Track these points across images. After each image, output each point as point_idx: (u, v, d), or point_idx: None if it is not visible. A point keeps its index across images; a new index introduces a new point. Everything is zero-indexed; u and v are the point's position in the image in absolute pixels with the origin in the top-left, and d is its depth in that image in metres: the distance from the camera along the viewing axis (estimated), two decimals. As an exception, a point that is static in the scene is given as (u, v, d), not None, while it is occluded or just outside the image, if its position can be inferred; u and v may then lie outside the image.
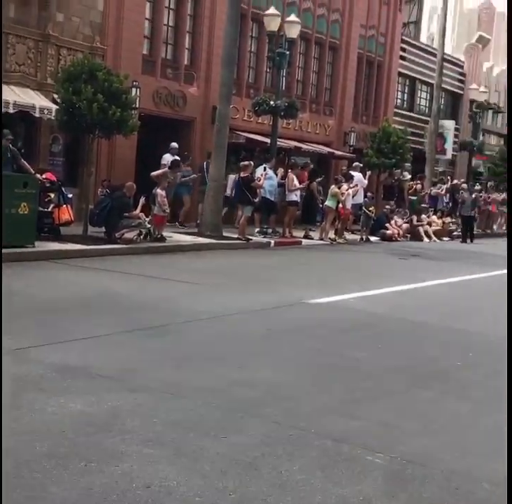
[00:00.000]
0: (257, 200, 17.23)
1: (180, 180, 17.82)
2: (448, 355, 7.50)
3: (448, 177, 28.79)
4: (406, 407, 5.65)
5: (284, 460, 4.36)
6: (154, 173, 15.50)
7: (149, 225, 14.36)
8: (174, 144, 18.61)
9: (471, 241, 23.08)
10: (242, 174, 17.14)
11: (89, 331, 7.10)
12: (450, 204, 26.07)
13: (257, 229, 18.09)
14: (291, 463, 4.32)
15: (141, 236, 14.19)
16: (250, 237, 16.98)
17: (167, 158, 18.08)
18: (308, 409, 5.37)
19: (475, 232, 25.63)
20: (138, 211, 14.31)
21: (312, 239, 18.83)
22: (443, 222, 24.11)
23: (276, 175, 18.45)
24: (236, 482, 3.95)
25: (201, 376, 5.98)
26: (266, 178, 17.57)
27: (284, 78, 20.47)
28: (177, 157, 17.35)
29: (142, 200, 14.58)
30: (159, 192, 14.85)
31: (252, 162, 17.70)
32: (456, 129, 34.60)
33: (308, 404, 5.50)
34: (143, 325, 7.67)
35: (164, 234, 15.01)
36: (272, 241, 17.40)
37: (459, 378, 6.69)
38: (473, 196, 24.01)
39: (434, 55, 30.87)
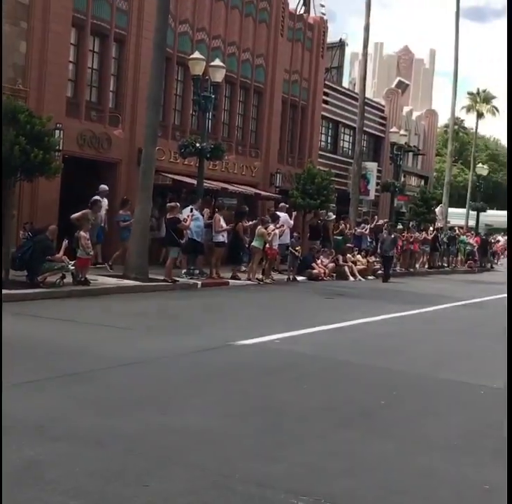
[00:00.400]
0: (183, 241, 17.19)
1: (122, 224, 17.70)
2: (372, 394, 7.56)
3: (376, 216, 29.39)
4: (330, 448, 5.65)
5: (208, 507, 4.29)
6: (74, 216, 15.36)
7: (72, 268, 14.13)
8: (104, 186, 18.48)
9: (386, 281, 23.19)
10: (168, 216, 17.11)
11: (10, 378, 6.89)
12: (374, 243, 26.56)
13: (183, 271, 18.02)
14: (215, 510, 4.26)
15: (64, 280, 13.94)
16: (177, 279, 16.89)
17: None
18: (233, 454, 5.32)
19: (394, 271, 26.23)
20: (61, 254, 14.08)
21: (239, 279, 18.86)
22: (368, 261, 24.54)
23: (203, 216, 18.48)
24: (158, 533, 3.86)
25: (124, 422, 5.87)
26: (193, 219, 17.58)
27: (210, 121, 20.62)
28: (97, 197, 17.20)
29: (65, 243, 14.36)
30: (82, 234, 14.67)
31: (178, 204, 17.70)
32: (378, 171, 35.48)
33: (233, 449, 5.44)
34: (66, 372, 7.49)
35: (89, 277, 14.79)
36: (199, 283, 17.35)
37: (384, 417, 6.75)
38: (392, 236, 24.48)
39: (356, 99, 31.71)
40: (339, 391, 7.61)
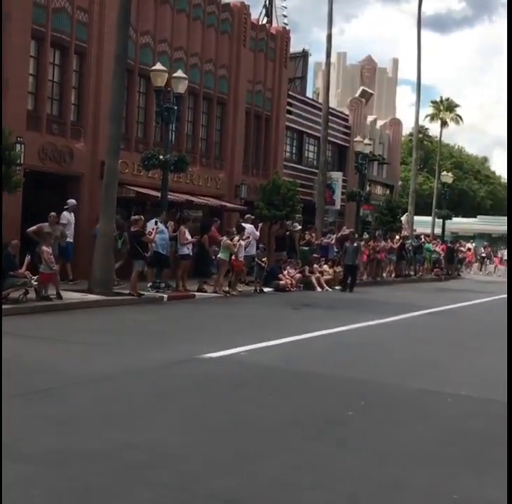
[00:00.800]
0: (148, 254, 17.02)
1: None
2: (339, 404, 7.49)
3: (344, 227, 29.43)
4: (298, 461, 5.56)
5: (171, 527, 4.17)
6: (30, 230, 15.13)
7: (35, 283, 13.89)
8: (72, 200, 18.25)
9: (351, 291, 23.04)
10: (132, 229, 16.94)
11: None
12: (340, 253, 26.57)
13: (149, 284, 17.84)
14: (178, 529, 4.14)
15: (27, 296, 13.69)
16: (142, 292, 16.70)
17: (66, 216, 17.67)
18: (198, 470, 5.20)
19: (361, 280, 26.28)
20: (23, 269, 13.84)
21: (206, 292, 18.72)
22: (335, 271, 24.53)
23: (168, 228, 18.33)
24: None
25: (86, 441, 5.72)
26: (158, 232, 17.42)
27: (173, 133, 20.51)
28: (53, 213, 16.74)
29: (27, 258, 14.12)
30: (45, 249, 14.43)
31: (142, 217, 17.53)
32: (344, 180, 35.61)
33: (199, 464, 5.32)
34: (28, 389, 7.31)
35: (52, 292, 14.53)
36: (165, 296, 17.18)
37: (352, 428, 6.68)
38: (355, 245, 24.43)
39: (320, 109, 31.82)
40: (307, 403, 7.53)
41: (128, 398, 7.31)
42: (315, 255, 24.54)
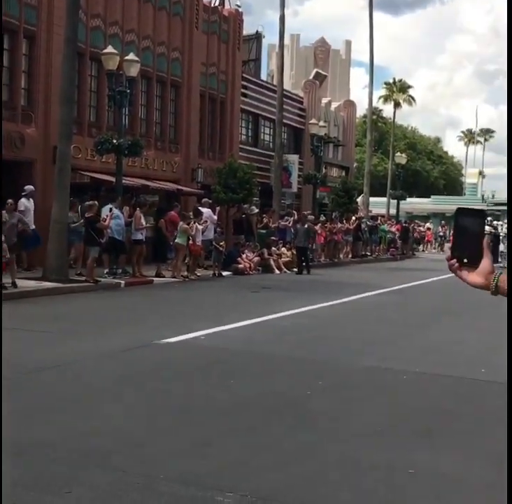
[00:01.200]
0: (104, 241, 16.86)
1: (71, 226, 17.21)
2: (298, 385, 7.56)
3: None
4: (256, 442, 5.60)
5: (131, 511, 4.18)
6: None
7: (-11, 272, 13.68)
8: (30, 187, 17.92)
9: (308, 272, 23.07)
10: (87, 215, 16.76)
11: None
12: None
13: (106, 270, 17.70)
14: (138, 513, 4.15)
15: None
16: (99, 279, 16.57)
17: (24, 202, 17.33)
18: (157, 454, 5.21)
19: (318, 261, 26.41)
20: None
21: (164, 277, 18.65)
22: (293, 254, 24.63)
23: (123, 214, 18.17)
24: (77, 542, 3.73)
25: (44, 429, 5.68)
26: (113, 217, 17.27)
27: (126, 116, 20.29)
28: (10, 200, 16.48)
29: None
30: (-2, 237, 14.19)
31: (96, 202, 17.33)
32: (300, 163, 35.68)
33: (158, 449, 5.33)
34: (-18, 379, 7.21)
35: (6, 280, 14.32)
36: (122, 282, 17.07)
37: (310, 408, 6.74)
38: (306, 226, 24.35)
39: (275, 92, 31.79)
40: (265, 384, 7.58)
41: (87, 385, 7.27)
42: (272, 238, 24.60)
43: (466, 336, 11.40)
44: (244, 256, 22.29)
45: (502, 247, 30.16)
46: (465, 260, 2.02)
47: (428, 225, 47.78)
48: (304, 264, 23.48)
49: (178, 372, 8.01)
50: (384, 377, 8.11)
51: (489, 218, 32.81)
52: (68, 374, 7.75)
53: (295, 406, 6.78)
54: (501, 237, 30.46)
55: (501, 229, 31.40)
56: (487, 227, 28.85)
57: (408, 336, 11.18)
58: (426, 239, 45.68)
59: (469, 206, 2.18)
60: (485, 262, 2.02)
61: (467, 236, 2.03)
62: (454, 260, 2.05)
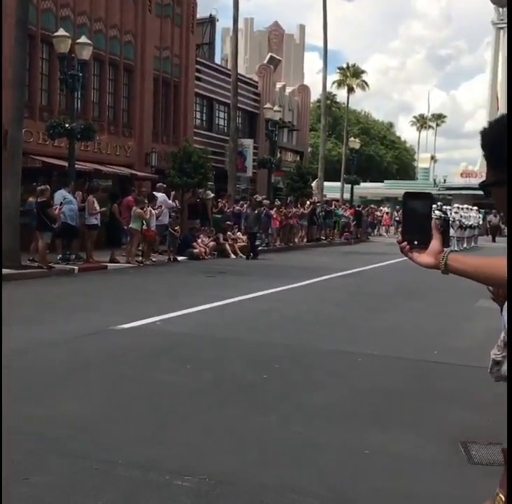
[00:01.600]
0: (56, 226, 16.63)
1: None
2: (254, 369, 7.61)
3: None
4: (214, 426, 5.64)
5: (90, 496, 4.20)
6: None
7: None
8: None
9: (254, 257, 22.66)
10: (38, 199, 16.51)
11: None
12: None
13: (59, 256, 17.50)
14: (96, 497, 4.17)
15: None
16: (52, 265, 16.38)
17: None
18: (114, 440, 5.22)
19: (274, 246, 26.46)
20: None
21: (118, 262, 18.52)
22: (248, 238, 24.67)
23: (76, 199, 17.97)
24: (36, 528, 3.73)
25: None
26: (66, 202, 17.07)
27: (79, 100, 20.04)
28: None
29: None
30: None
31: (48, 187, 17.07)
32: (255, 148, 35.69)
33: (115, 435, 5.34)
34: None
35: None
36: (76, 268, 16.91)
37: (266, 391, 6.81)
38: (256, 212, 24.31)
39: (229, 76, 31.68)
40: (222, 368, 7.61)
41: (42, 372, 7.22)
42: (228, 222, 24.59)
43: (419, 319, 11.60)
44: (199, 241, 22.26)
45: (452, 232, 30.31)
46: (415, 242, 2.08)
47: (386, 209, 48.21)
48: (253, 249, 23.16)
49: (133, 358, 7.99)
50: (339, 360, 8.22)
51: (439, 203, 32.96)
52: (20, 362, 7.65)
53: (252, 389, 6.83)
54: (450, 222, 30.54)
55: (451, 213, 31.59)
56: (437, 212, 29.06)
57: (362, 319, 11.32)
58: (383, 223, 46.10)
59: (419, 190, 2.23)
60: (435, 243, 2.09)
61: (416, 219, 2.09)
62: (405, 243, 2.11)
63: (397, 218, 47.57)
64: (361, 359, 8.25)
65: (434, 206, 29.93)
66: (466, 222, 32.50)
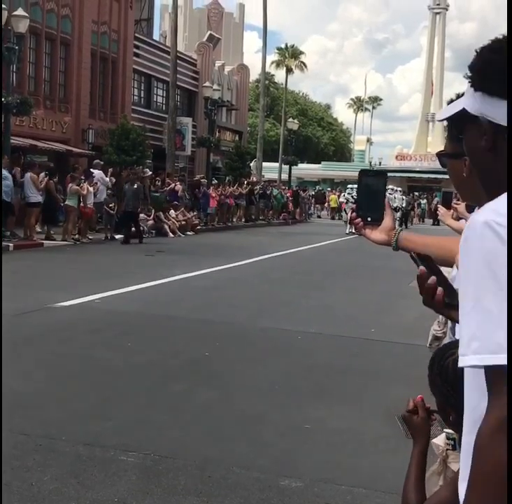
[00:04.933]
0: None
1: None
2: (196, 346, 7.67)
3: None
4: (157, 402, 5.68)
5: (34, 471, 4.20)
6: None
7: None
8: None
9: (140, 242, 19.67)
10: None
11: None
12: (192, 199, 26.65)
13: (-7, 233, 17.13)
14: (42, 473, 4.17)
15: None
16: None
17: None
18: (58, 416, 5.21)
19: (212, 225, 26.43)
20: None
21: (54, 240, 18.25)
22: (187, 218, 24.61)
23: (13, 174, 17.58)
24: (-18, 503, 3.72)
25: None
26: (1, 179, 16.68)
27: (14, 74, 19.57)
28: None
29: None
30: None
31: None
32: (193, 126, 35.50)
33: (58, 411, 5.33)
34: None
35: None
36: (11, 245, 16.59)
37: (208, 368, 6.87)
38: (135, 187, 21.97)
39: (168, 53, 31.37)
40: (163, 346, 7.64)
41: (-21, 349, 7.11)
42: (175, 202, 24.35)
43: (357, 297, 11.82)
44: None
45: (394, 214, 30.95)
46: (369, 219, 2.14)
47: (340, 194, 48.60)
48: (134, 231, 20.11)
49: (73, 335, 7.94)
50: (279, 338, 8.33)
51: None
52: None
53: (193, 366, 6.89)
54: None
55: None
56: None
57: (302, 297, 11.48)
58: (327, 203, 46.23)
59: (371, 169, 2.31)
60: (387, 220, 2.14)
61: (370, 196, 2.15)
62: (359, 219, 2.15)
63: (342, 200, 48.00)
64: (301, 337, 8.38)
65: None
66: (391, 204, 32.88)
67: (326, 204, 47.31)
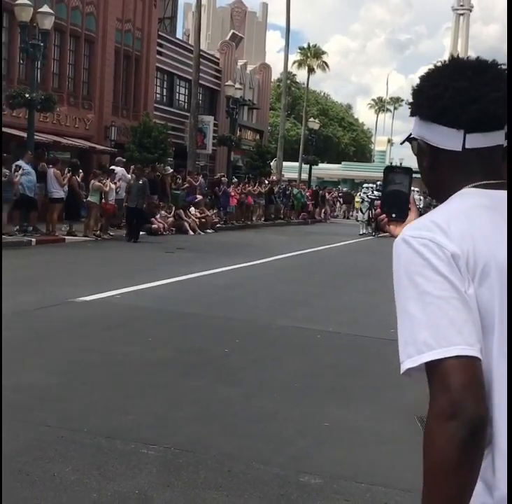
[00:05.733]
0: (16, 197, 16.31)
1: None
2: (216, 343, 7.71)
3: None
4: (177, 398, 5.73)
5: (56, 462, 4.26)
6: None
7: None
8: None
9: (135, 240, 18.86)
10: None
11: None
12: (212, 198, 26.75)
13: (16, 228, 17.30)
14: (64, 464, 4.23)
15: None
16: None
17: None
18: (79, 409, 5.27)
19: (232, 224, 26.48)
20: None
21: (76, 235, 18.40)
22: (207, 215, 24.70)
23: (36, 170, 17.72)
24: (6, 490, 3.78)
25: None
26: (24, 173, 16.83)
27: (38, 71, 19.74)
28: None
29: None
30: None
31: None
32: (215, 125, 35.58)
33: (79, 404, 5.39)
34: None
35: None
36: (33, 240, 16.74)
37: (228, 365, 6.92)
38: (141, 182, 20.66)
39: (191, 51, 31.47)
40: (183, 342, 7.69)
41: (4, 342, 7.19)
42: (198, 198, 24.45)
43: (375, 297, 11.80)
44: (158, 216, 22.19)
45: None
46: (393, 215, 2.16)
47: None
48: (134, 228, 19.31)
49: (94, 330, 8.02)
50: (298, 336, 8.36)
51: (378, 182, 32.11)
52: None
53: (213, 363, 6.93)
54: None
55: None
56: (376, 193, 28.42)
57: (320, 297, 11.50)
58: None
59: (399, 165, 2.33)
60: (412, 216, 2.17)
61: (395, 193, 2.17)
62: (384, 215, 2.18)
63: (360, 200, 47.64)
64: (320, 335, 8.41)
65: (372, 186, 29.67)
66: None
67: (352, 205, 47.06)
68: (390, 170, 2.23)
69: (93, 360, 6.73)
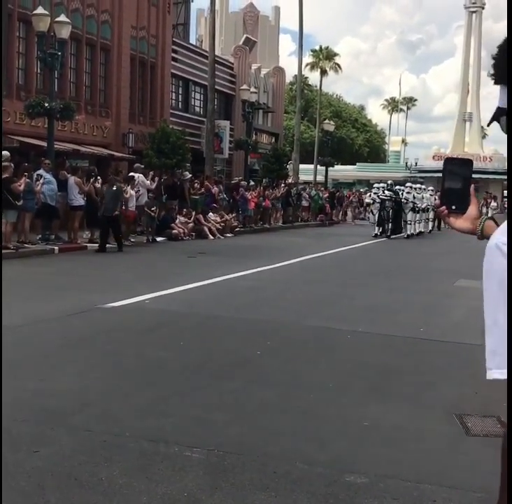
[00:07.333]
0: (20, 204, 16.09)
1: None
2: (247, 345, 7.72)
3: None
4: (214, 400, 5.74)
5: (103, 466, 4.27)
6: None
7: None
8: None
9: (120, 249, 17.77)
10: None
11: None
12: (230, 202, 26.79)
13: (38, 236, 17.41)
14: (110, 468, 4.24)
15: None
16: (26, 244, 16.16)
17: None
18: (119, 413, 5.29)
19: (251, 227, 26.46)
20: None
21: (97, 243, 18.43)
22: (226, 220, 24.74)
23: (60, 179, 17.80)
24: (57, 495, 3.80)
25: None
26: (45, 182, 16.94)
27: (56, 80, 19.88)
28: None
29: None
30: None
31: (12, 164, 16.49)
32: (231, 129, 35.65)
33: (118, 408, 5.41)
34: None
35: None
36: (56, 248, 16.84)
37: (261, 366, 6.92)
38: (115, 188, 19.87)
39: (205, 57, 31.57)
40: (215, 345, 7.70)
41: (35, 348, 7.25)
42: (214, 204, 24.51)
43: (401, 297, 11.78)
44: (178, 222, 22.25)
45: (410, 216, 27.87)
46: (453, 207, 2.14)
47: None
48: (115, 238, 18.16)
49: (126, 335, 8.05)
50: (329, 336, 8.35)
51: (389, 182, 29.92)
52: (15, 338, 7.66)
53: (246, 365, 6.94)
54: (403, 203, 27.63)
55: (402, 194, 28.20)
56: (387, 192, 27.16)
57: (345, 297, 11.48)
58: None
59: (457, 157, 2.30)
60: (472, 208, 2.15)
61: (455, 185, 2.15)
62: (444, 207, 2.17)
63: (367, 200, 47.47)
64: (350, 336, 8.39)
65: (383, 186, 29.23)
66: (419, 205, 28.83)
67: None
68: (449, 161, 2.21)
69: (127, 365, 6.75)
